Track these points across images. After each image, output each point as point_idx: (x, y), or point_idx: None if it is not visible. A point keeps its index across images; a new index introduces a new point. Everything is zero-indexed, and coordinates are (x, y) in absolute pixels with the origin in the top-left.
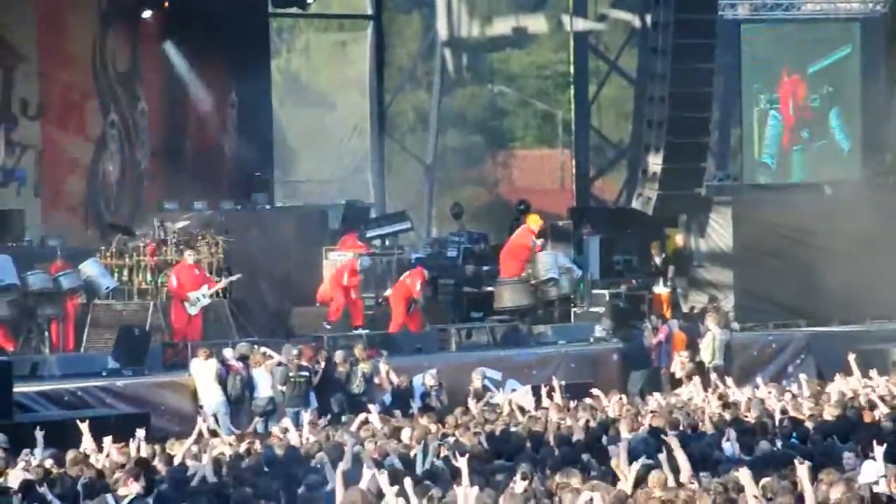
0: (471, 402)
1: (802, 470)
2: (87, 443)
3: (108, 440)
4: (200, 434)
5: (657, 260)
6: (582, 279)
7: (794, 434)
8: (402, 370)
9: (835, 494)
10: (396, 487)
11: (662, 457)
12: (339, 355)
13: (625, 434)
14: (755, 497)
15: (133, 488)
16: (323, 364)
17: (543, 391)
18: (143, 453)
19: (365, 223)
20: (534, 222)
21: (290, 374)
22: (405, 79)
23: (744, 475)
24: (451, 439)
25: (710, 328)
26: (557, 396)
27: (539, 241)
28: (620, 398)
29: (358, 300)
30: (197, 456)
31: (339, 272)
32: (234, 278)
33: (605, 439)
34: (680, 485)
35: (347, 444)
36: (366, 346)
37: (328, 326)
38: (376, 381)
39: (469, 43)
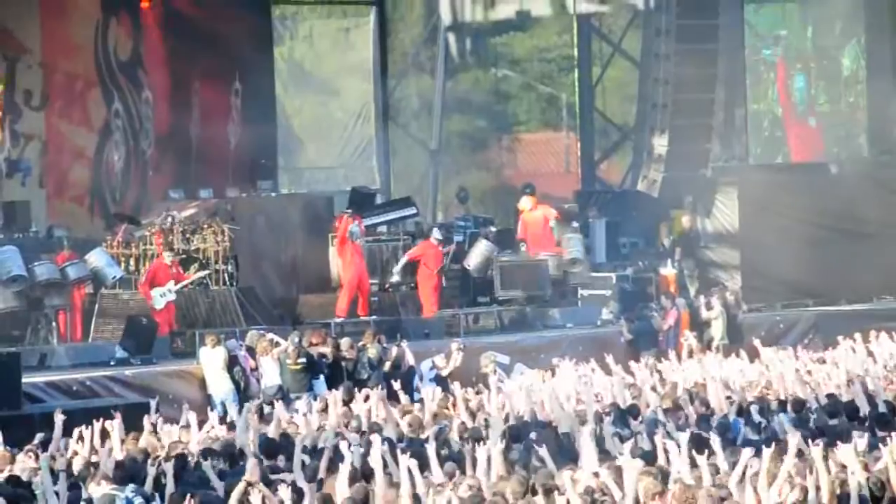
0: (455, 387)
1: (816, 451)
2: (116, 437)
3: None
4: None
5: (665, 242)
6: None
7: (801, 412)
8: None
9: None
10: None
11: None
12: (345, 342)
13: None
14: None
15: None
16: (331, 350)
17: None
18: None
19: (369, 209)
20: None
21: (289, 361)
22: (409, 64)
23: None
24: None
25: (715, 307)
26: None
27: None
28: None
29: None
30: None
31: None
32: (202, 274)
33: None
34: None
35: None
36: (374, 333)
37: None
38: (386, 366)
39: (472, 27)
